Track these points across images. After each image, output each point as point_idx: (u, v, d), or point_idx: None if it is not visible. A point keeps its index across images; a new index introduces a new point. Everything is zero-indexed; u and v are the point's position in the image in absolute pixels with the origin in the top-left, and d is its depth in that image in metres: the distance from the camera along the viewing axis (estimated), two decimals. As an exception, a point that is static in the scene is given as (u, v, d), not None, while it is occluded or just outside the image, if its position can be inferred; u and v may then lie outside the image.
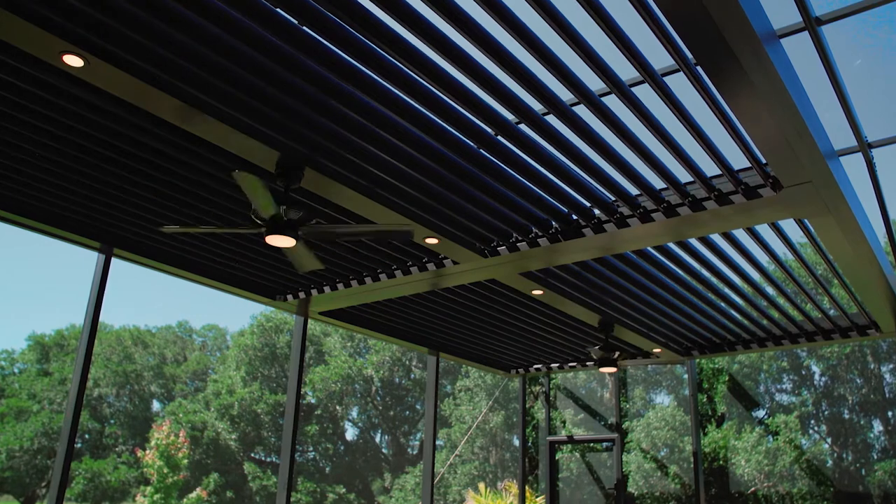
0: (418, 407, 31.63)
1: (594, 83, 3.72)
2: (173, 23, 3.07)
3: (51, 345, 33.33)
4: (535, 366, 9.85)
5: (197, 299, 59.71)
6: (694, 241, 5.29)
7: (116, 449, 29.86)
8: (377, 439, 32.56)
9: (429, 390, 8.65)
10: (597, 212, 4.87)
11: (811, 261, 15.43)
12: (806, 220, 4.70)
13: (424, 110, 3.74)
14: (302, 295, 6.74)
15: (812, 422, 21.23)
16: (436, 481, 24.47)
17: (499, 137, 4.07)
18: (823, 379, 21.53)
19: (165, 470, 18.79)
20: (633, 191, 4.66)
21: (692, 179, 4.37)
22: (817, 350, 20.25)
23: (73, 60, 3.16)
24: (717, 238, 5.29)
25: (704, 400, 14.47)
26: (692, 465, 10.23)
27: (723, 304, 6.85)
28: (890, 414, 20.51)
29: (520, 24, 3.18)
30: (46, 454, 27.29)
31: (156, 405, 33.54)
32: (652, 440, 19.31)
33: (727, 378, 14.89)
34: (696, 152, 4.16)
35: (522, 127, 4.02)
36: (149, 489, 18.97)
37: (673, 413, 19.80)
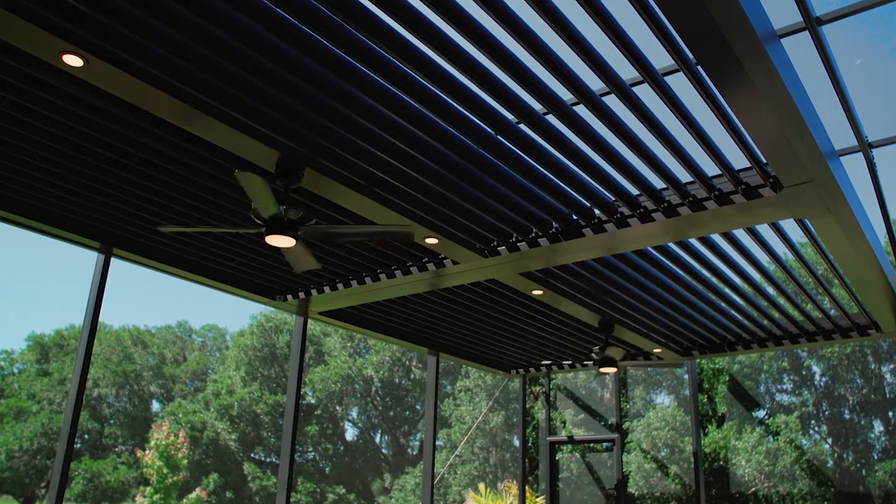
0: (418, 407, 31.62)
1: (594, 83, 3.72)
2: (173, 23, 3.07)
3: (50, 345, 33.33)
4: (540, 363, 9.84)
5: (197, 299, 59.74)
6: (694, 241, 5.29)
7: (116, 449, 29.86)
8: (377, 439, 32.57)
9: (429, 390, 8.65)
10: (597, 212, 4.87)
11: (811, 261, 15.41)
12: (806, 220, 4.70)
13: (424, 110, 3.73)
14: (302, 295, 6.74)
15: (812, 422, 21.23)
16: (436, 482, 24.46)
17: (499, 137, 4.07)
18: (824, 379, 21.52)
19: (165, 470, 18.79)
20: (634, 191, 4.66)
21: (692, 179, 4.37)
22: (818, 350, 20.25)
23: (72, 60, 3.16)
24: (717, 238, 5.29)
25: (705, 400, 14.47)
26: (692, 466, 10.23)
27: (723, 305, 6.84)
28: (890, 414, 20.51)
29: (520, 24, 3.17)
30: (46, 454, 27.29)
31: (155, 405, 33.55)
32: (652, 440, 19.31)
33: (727, 378, 14.89)
34: (696, 152, 4.16)
35: (522, 127, 4.01)
36: (148, 489, 18.97)
37: (673, 413, 19.80)
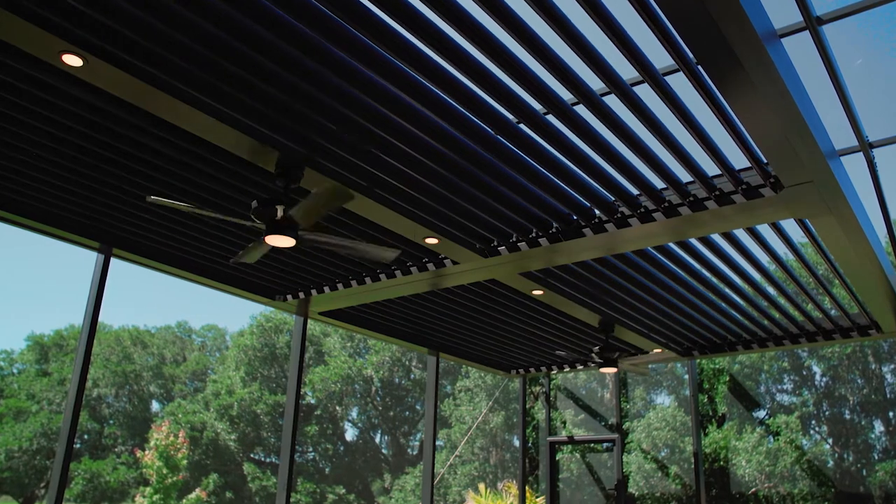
0: (418, 407, 31.61)
1: (594, 83, 3.71)
2: (173, 23, 3.06)
3: (50, 345, 33.31)
4: (540, 364, 9.84)
5: (196, 299, 59.69)
6: (694, 241, 5.28)
7: (116, 449, 29.84)
8: (377, 440, 32.56)
9: (429, 391, 8.64)
10: (597, 212, 4.86)
11: (812, 261, 15.41)
12: (807, 220, 4.70)
13: (424, 110, 3.73)
14: (302, 295, 6.73)
15: (813, 422, 21.22)
16: (436, 482, 24.46)
17: (499, 137, 4.07)
18: (824, 379, 21.51)
19: (165, 470, 18.79)
20: (634, 191, 4.65)
21: (692, 179, 4.36)
22: (818, 350, 20.24)
23: (72, 60, 3.16)
24: (717, 238, 5.28)
25: (705, 400, 14.47)
26: (693, 466, 10.22)
27: (723, 305, 6.84)
28: (891, 414, 20.50)
29: (520, 24, 3.17)
30: (45, 455, 27.28)
31: (155, 405, 33.53)
32: (652, 441, 19.31)
33: (728, 378, 14.88)
34: (696, 152, 4.16)
35: (522, 127, 4.01)
36: (148, 490, 18.97)
37: (673, 413, 19.80)
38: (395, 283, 6.09)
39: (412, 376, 31.28)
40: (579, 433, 18.67)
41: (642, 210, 4.68)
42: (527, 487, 12.15)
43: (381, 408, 31.48)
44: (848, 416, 20.87)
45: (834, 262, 5.50)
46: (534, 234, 5.15)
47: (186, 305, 55.96)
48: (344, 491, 27.98)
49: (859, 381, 20.74)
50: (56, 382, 29.90)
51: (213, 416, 28.33)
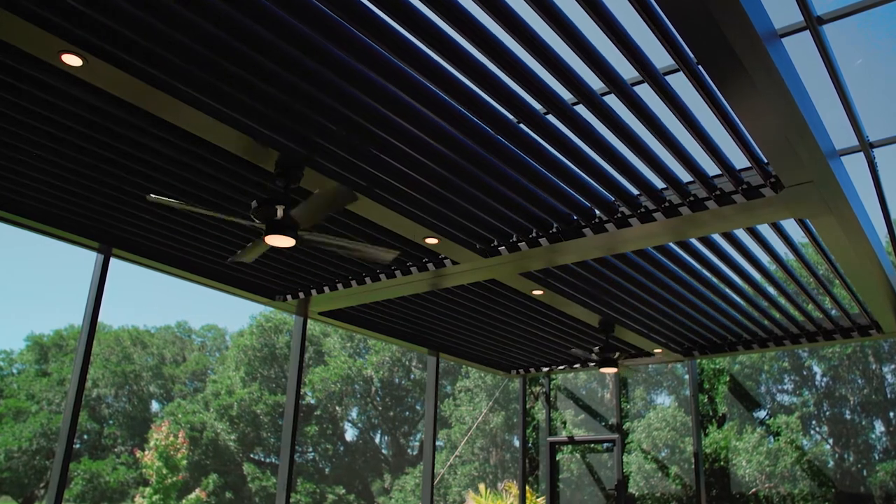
0: (418, 407, 31.60)
1: (594, 83, 3.71)
2: (173, 23, 3.06)
3: (49, 345, 33.29)
4: (535, 366, 9.83)
5: (196, 299, 59.65)
6: (695, 241, 5.28)
7: (115, 450, 29.83)
8: (377, 440, 32.55)
9: (429, 391, 8.64)
10: (597, 212, 4.86)
11: (812, 261, 15.40)
12: (807, 220, 4.69)
13: (424, 110, 3.73)
14: (301, 295, 6.73)
15: (813, 422, 21.21)
16: (436, 482, 24.46)
17: (499, 137, 4.06)
18: (825, 379, 21.50)
19: (164, 471, 18.78)
20: (634, 191, 4.65)
21: (693, 179, 4.36)
22: (819, 350, 20.24)
23: (71, 60, 3.15)
24: (717, 238, 5.28)
25: (705, 400, 14.46)
26: (693, 466, 10.22)
27: (724, 305, 6.83)
28: (892, 414, 20.50)
29: (520, 24, 3.16)
30: (45, 455, 27.27)
31: (155, 406, 33.51)
32: (653, 441, 19.30)
33: (728, 378, 14.87)
34: (696, 152, 4.15)
35: (522, 127, 4.01)
36: (148, 490, 18.97)
37: (674, 413, 19.80)
38: (395, 283, 6.09)
39: (412, 376, 31.27)
40: (579, 433, 18.67)
41: (642, 210, 4.67)
42: (527, 488, 12.15)
43: (381, 408, 31.48)
44: (848, 417, 20.86)
45: (834, 262, 5.50)
46: (534, 234, 5.15)
47: (186, 305, 55.94)
48: (344, 491, 27.97)
49: (860, 381, 20.73)
50: (56, 382, 29.88)
51: (212, 417, 28.32)
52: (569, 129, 3.89)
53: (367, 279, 6.21)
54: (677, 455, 19.08)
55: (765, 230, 5.18)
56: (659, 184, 4.57)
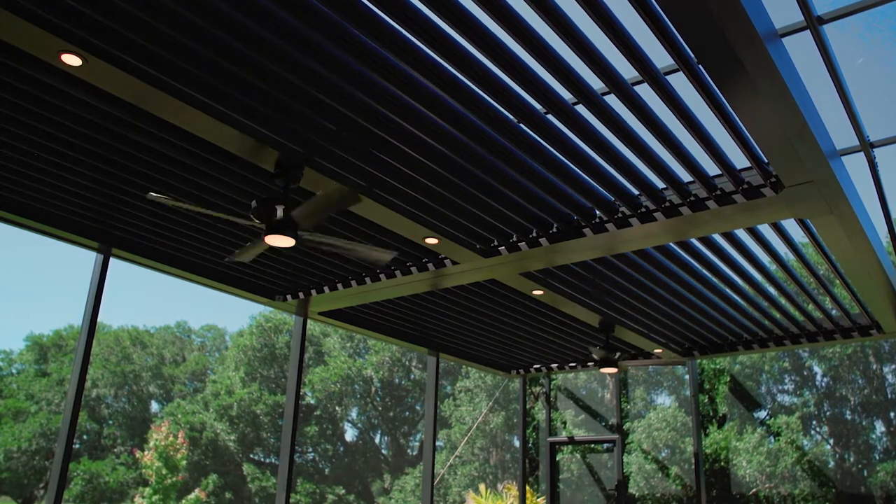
0: (418, 408, 31.60)
1: (594, 83, 3.71)
2: (173, 23, 3.06)
3: (49, 345, 33.30)
4: (536, 366, 9.83)
5: (196, 299, 59.68)
6: (695, 241, 5.28)
7: (115, 450, 29.82)
8: (377, 440, 32.54)
9: (429, 391, 8.63)
10: (597, 212, 4.86)
11: (813, 261, 15.39)
12: (807, 220, 4.69)
13: (424, 109, 3.72)
14: (301, 295, 6.72)
15: (814, 423, 21.21)
16: (436, 482, 24.45)
17: (499, 137, 4.06)
18: (825, 379, 21.50)
19: (164, 471, 18.79)
20: (634, 191, 4.65)
21: (693, 179, 4.36)
22: (819, 350, 20.24)
23: (71, 60, 3.15)
24: (718, 238, 5.28)
25: (706, 401, 14.45)
26: (693, 466, 10.21)
27: (724, 305, 6.83)
28: (892, 415, 20.49)
29: (520, 24, 3.16)
30: (44, 455, 27.27)
31: (154, 406, 33.51)
32: (653, 441, 19.30)
33: (728, 379, 14.87)
34: (697, 152, 4.15)
35: (522, 127, 4.00)
36: (147, 490, 18.97)
37: (674, 414, 19.80)
38: (395, 283, 6.09)
39: (412, 376, 31.26)
40: (579, 433, 18.66)
41: (643, 210, 4.67)
42: (527, 488, 12.14)
43: (380, 408, 31.47)
44: (849, 417, 20.86)
45: (835, 262, 5.49)
46: (534, 234, 5.15)
47: (186, 305, 55.95)
48: (344, 491, 27.97)
49: (860, 381, 20.73)
50: (55, 383, 29.88)
51: (212, 417, 28.32)
52: (569, 129, 3.88)
53: (367, 279, 6.21)
54: (677, 455, 19.08)
55: (765, 230, 5.18)
56: (659, 184, 4.56)
